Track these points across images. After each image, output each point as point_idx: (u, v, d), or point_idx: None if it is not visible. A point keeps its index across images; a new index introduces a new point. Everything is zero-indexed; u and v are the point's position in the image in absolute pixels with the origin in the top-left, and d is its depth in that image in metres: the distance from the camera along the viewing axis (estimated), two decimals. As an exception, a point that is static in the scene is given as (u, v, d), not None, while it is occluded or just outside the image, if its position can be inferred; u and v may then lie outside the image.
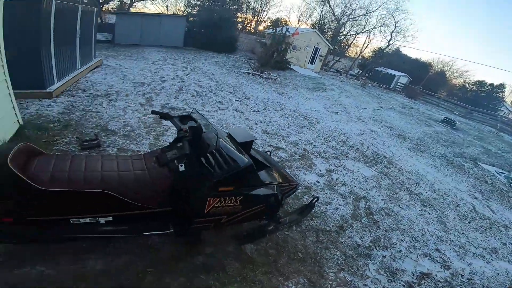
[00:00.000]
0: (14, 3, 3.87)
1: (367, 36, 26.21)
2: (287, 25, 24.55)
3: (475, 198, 5.02)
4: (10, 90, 3.33)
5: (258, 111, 6.75)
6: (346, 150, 5.50)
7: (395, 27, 24.83)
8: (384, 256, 2.90)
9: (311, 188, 3.76)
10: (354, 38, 28.09)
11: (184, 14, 21.26)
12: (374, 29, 25.67)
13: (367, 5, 25.88)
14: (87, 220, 1.78)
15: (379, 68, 24.62)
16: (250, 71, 12.09)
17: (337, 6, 27.02)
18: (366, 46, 27.23)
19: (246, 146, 2.43)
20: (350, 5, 25.40)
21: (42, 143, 3.36)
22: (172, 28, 15.49)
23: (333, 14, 26.27)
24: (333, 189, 3.91)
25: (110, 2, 20.66)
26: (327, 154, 5.05)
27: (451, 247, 3.39)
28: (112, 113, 4.76)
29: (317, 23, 27.66)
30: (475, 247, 3.53)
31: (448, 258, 3.17)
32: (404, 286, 2.62)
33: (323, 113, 8.04)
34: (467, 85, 32.12)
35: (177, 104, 6.00)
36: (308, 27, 27.60)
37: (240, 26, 26.63)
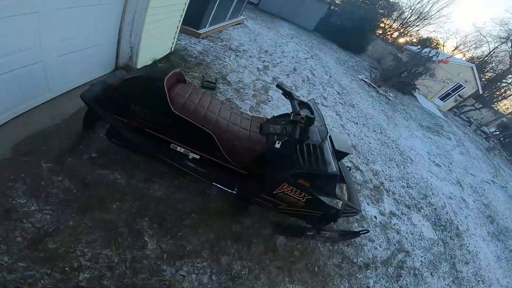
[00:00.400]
0: None
1: None
2: (437, 48, 21.09)
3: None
4: (179, 24, 4.17)
5: (357, 123, 6.48)
6: (422, 204, 4.93)
7: None
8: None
9: (365, 219, 3.66)
10: None
11: (328, 0, 20.74)
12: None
13: None
14: (182, 150, 2.06)
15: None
16: (367, 80, 11.33)
17: None
18: None
19: (339, 155, 2.42)
20: None
21: (179, 70, 4.21)
22: (311, 10, 15.60)
23: (510, 56, 20.93)
24: (385, 232, 3.70)
25: None
26: (401, 198, 4.65)
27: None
28: (234, 67, 5.44)
29: (479, 58, 22.85)
30: None
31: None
32: None
33: (422, 158, 7.09)
34: None
35: (287, 82, 6.32)
36: (464, 58, 23.14)
37: (380, 31, 24.26)
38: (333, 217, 2.33)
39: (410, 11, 25.55)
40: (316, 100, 6.38)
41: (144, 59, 3.73)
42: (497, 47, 21.90)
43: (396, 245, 3.62)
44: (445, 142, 10.15)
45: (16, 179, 1.88)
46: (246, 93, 4.75)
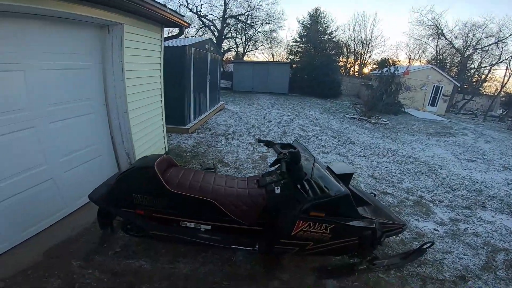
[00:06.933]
0: (167, 49, 4.83)
1: (507, 66, 20.60)
2: (396, 64, 22.76)
3: None
4: (163, 122, 4.50)
5: (364, 156, 6.29)
6: (483, 200, 4.34)
7: (545, 50, 18.64)
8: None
9: (424, 235, 3.17)
10: (489, 71, 22.67)
11: (288, 61, 23.15)
12: (515, 57, 19.94)
13: (496, 33, 20.45)
14: (192, 225, 2.14)
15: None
16: (356, 116, 11.65)
17: (455, 37, 22.45)
18: (509, 78, 21.34)
19: (344, 178, 2.39)
20: (474, 35, 21.04)
21: (177, 168, 4.29)
22: (278, 75, 17.09)
23: (453, 47, 22.54)
24: (458, 239, 3.16)
25: (228, 52, 25.93)
26: (453, 203, 4.12)
27: None
28: (228, 149, 5.62)
29: (434, 59, 24.35)
30: None
31: None
32: None
33: (450, 160, 6.63)
34: None
35: (281, 143, 6.42)
36: (422, 64, 24.68)
37: (343, 70, 26.50)
38: (373, 238, 2.11)
39: (354, 42, 28.50)
40: (315, 149, 6.38)
41: (142, 163, 3.85)
42: (437, 44, 23.78)
43: (486, 247, 3.07)
44: (464, 139, 9.73)
45: (50, 275, 2.06)
46: (246, 167, 4.76)
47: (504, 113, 19.31)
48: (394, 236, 2.99)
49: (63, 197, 2.68)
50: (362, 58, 29.48)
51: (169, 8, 3.44)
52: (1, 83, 2.01)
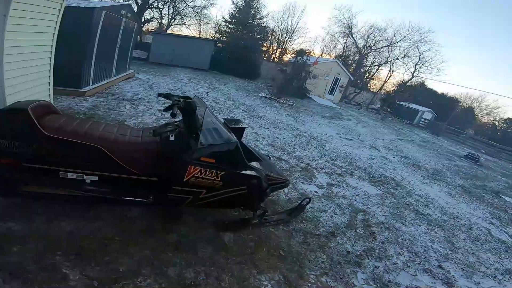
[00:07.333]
0: (72, 9, 4.54)
1: (390, 68, 26.04)
2: (310, 55, 25.39)
3: (492, 224, 4.80)
4: (50, 80, 3.86)
5: (268, 128, 7.01)
6: (351, 169, 5.53)
7: (420, 58, 24.60)
8: (377, 267, 2.77)
9: (307, 196, 3.80)
10: (377, 70, 28.03)
11: (214, 38, 22.47)
12: (397, 60, 25.58)
13: (391, 37, 25.54)
14: (74, 176, 1.91)
15: (402, 103, 24.03)
16: (267, 96, 12.58)
17: (360, 37, 26.80)
18: (389, 78, 26.94)
19: (237, 132, 2.58)
20: (374, 37, 25.61)
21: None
22: (200, 51, 16.38)
23: (356, 46, 26.57)
24: (331, 200, 3.93)
25: (150, 22, 23.16)
26: (330, 170, 5.11)
27: (457, 265, 3.21)
28: (132, 113, 5.26)
29: (341, 55, 28.09)
30: (486, 267, 3.35)
31: (453, 276, 2.99)
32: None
33: (334, 138, 8.13)
34: (496, 123, 29.53)
35: (193, 113, 6.43)
36: (331, 58, 28.35)
37: (265, 55, 27.62)
38: (260, 189, 2.34)
39: (279, 30, 29.78)
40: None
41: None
42: (345, 42, 27.73)
43: (350, 208, 3.83)
44: (348, 123, 11.93)
45: None
46: (152, 131, 4.61)
47: (380, 107, 24.45)
48: (283, 196, 3.55)
49: None
50: (284, 46, 31.09)
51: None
52: None
